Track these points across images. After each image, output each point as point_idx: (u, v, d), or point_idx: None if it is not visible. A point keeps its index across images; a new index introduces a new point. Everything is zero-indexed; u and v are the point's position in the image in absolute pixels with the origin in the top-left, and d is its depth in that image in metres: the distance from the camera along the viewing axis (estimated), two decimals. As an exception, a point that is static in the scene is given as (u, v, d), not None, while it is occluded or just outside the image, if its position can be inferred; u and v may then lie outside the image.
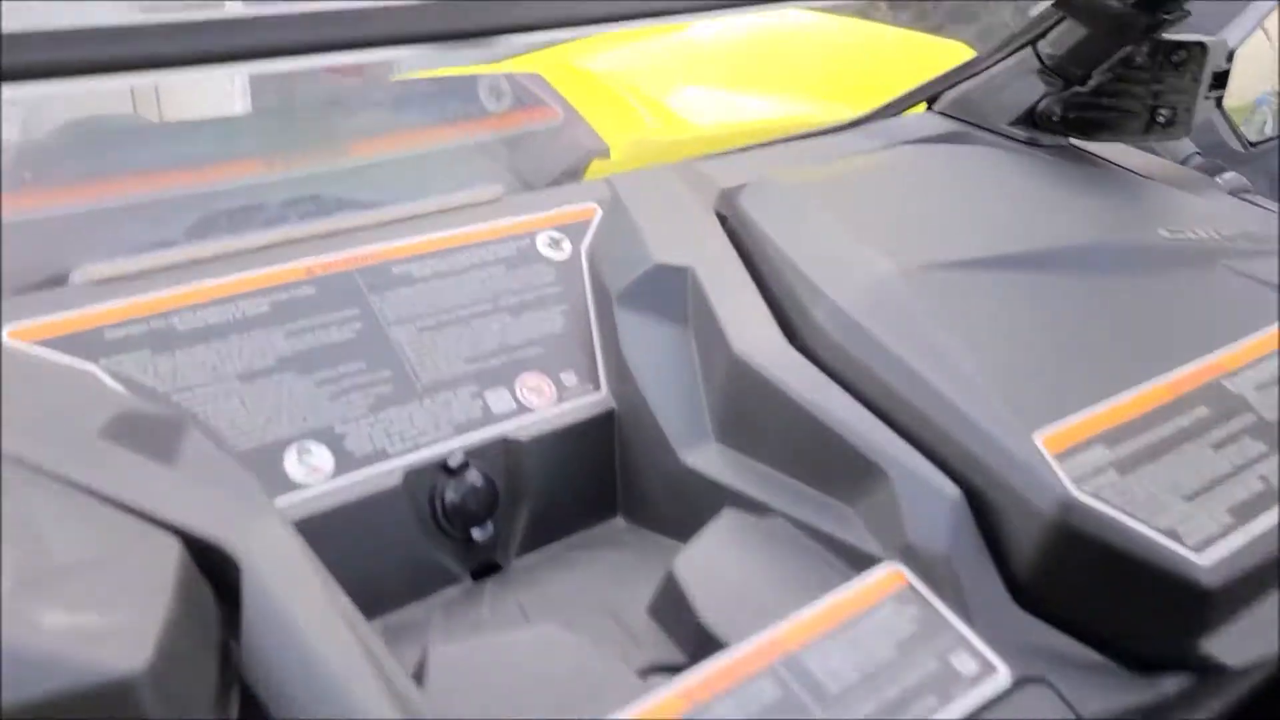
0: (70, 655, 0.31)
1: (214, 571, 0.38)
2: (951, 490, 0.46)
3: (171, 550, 0.37)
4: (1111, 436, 0.48)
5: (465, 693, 0.40)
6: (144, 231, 0.55)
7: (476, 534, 0.55)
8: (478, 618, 0.51)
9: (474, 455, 0.55)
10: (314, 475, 0.51)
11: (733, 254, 0.61)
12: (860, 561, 0.48)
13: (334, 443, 0.53)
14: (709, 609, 0.46)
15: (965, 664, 0.42)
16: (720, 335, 0.55)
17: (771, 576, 0.47)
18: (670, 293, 0.60)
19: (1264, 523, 0.47)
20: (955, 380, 0.49)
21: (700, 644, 0.45)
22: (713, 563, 0.48)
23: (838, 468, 0.50)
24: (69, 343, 0.50)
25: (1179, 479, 0.47)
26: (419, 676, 0.42)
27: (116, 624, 0.32)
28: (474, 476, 0.54)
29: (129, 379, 0.51)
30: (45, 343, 0.50)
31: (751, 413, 0.53)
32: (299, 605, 0.37)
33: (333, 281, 0.58)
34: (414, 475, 0.53)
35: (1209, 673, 0.46)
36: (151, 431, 0.45)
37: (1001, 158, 0.74)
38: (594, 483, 0.59)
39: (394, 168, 0.61)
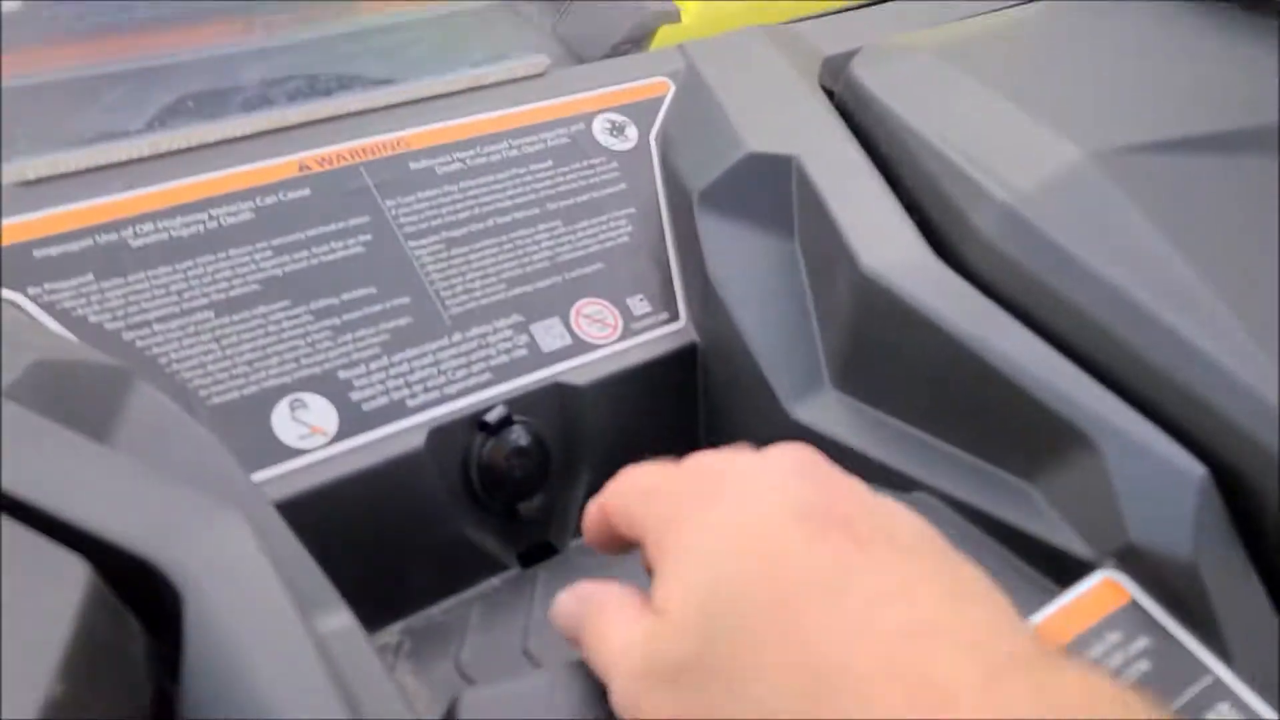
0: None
1: (149, 598, 0.27)
2: (1194, 468, 0.33)
3: (75, 579, 0.25)
4: None
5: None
6: (90, 117, 0.43)
7: (523, 508, 0.42)
8: (528, 621, 0.39)
9: (519, 407, 0.42)
10: (312, 437, 0.39)
11: (849, 139, 0.47)
12: (1050, 561, 0.35)
13: (337, 394, 0.40)
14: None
15: (1229, 725, 0.29)
16: (841, 246, 0.41)
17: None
18: (769, 191, 0.46)
19: None
20: (1190, 310, 0.35)
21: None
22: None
23: (1013, 429, 0.36)
24: (-15, 265, 0.38)
25: None
26: (449, 725, 0.31)
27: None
28: (519, 434, 0.42)
29: (66, 312, 0.38)
30: (-50, 266, 0.38)
31: (886, 351, 0.40)
32: (263, 651, 0.25)
33: (334, 180, 0.44)
34: (442, 434, 0.41)
35: None
36: (82, 389, 0.33)
37: (1166, 8, 0.58)
38: (673, 439, 0.46)
39: (410, 33, 0.47)
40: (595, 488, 0.44)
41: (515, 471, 0.42)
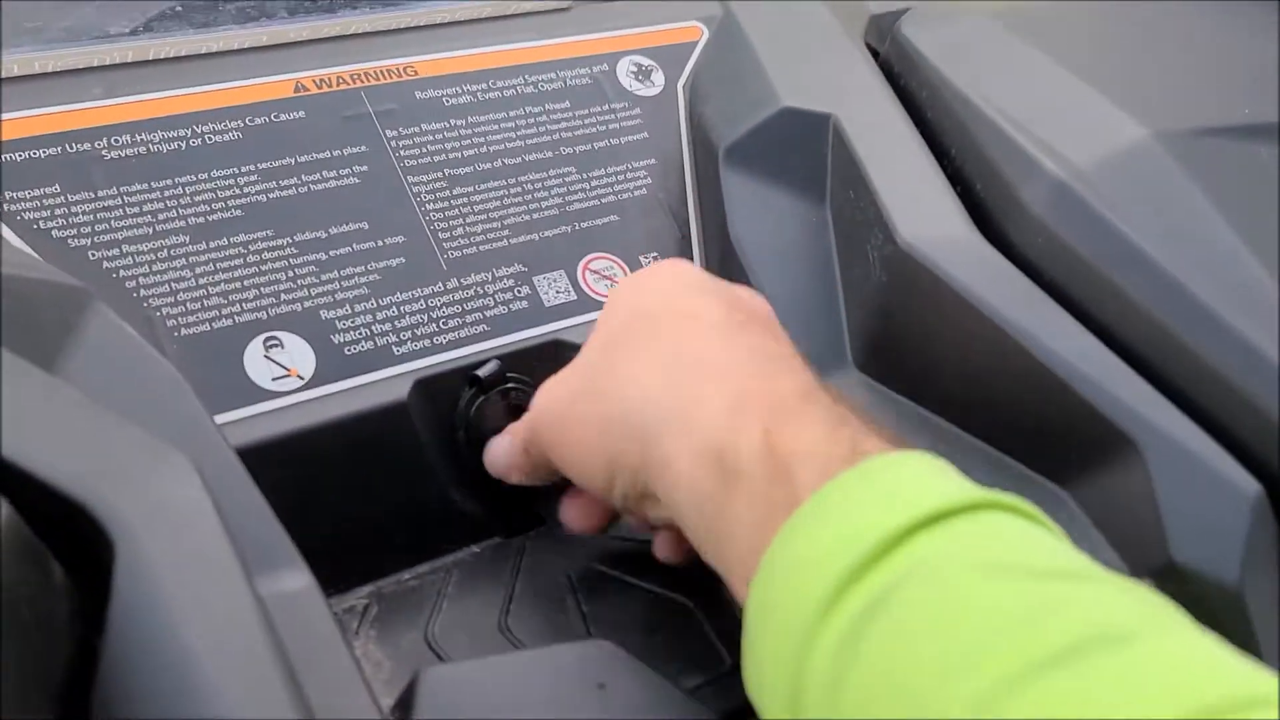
0: None
1: (78, 545, 0.24)
2: (1248, 485, 0.29)
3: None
4: None
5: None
6: (71, 14, 0.39)
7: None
8: (509, 594, 0.36)
9: (514, 364, 0.39)
10: (286, 379, 0.36)
11: (892, 101, 0.43)
12: (1077, 572, 0.32)
13: (317, 334, 0.37)
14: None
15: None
16: (878, 215, 0.38)
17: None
18: (801, 150, 0.42)
19: None
20: (1255, 311, 0.32)
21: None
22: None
23: (1051, 427, 0.33)
24: (-58, 166, 0.35)
25: None
26: (405, 705, 0.28)
27: None
28: (514, 392, 0.39)
29: (29, 224, 0.35)
30: (-97, 164, 0.35)
31: (918, 332, 0.37)
32: (197, 611, 0.22)
33: (331, 103, 0.41)
34: (428, 386, 0.38)
35: None
36: (36, 309, 0.30)
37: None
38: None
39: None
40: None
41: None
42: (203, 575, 0.23)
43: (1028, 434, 0.34)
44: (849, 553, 0.23)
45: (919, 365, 0.37)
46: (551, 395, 0.34)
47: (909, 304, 0.37)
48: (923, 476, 0.25)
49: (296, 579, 0.27)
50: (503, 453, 0.37)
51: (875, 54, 0.47)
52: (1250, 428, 0.31)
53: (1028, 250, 0.36)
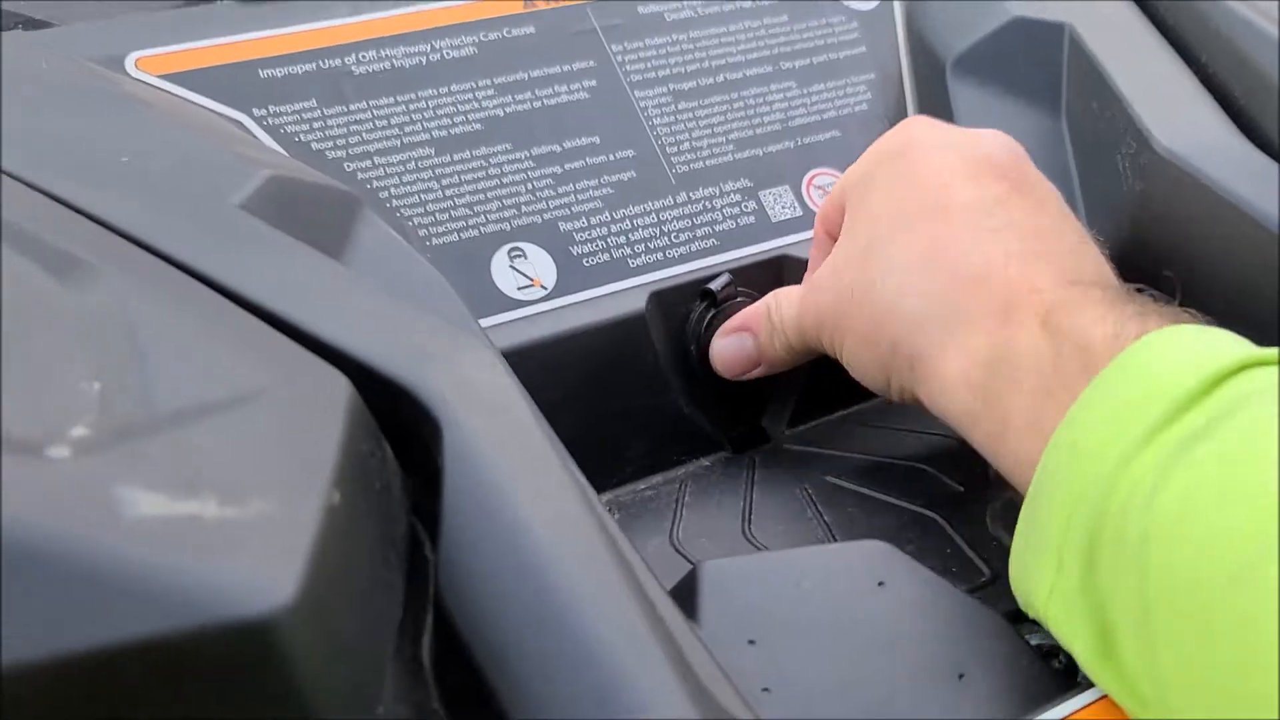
0: (169, 574, 0.17)
1: (396, 430, 0.25)
2: None
3: (338, 391, 0.23)
4: None
5: (764, 636, 0.26)
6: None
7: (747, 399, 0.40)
8: (747, 505, 0.37)
9: (743, 278, 0.39)
10: (530, 290, 0.37)
11: (1133, 7, 0.41)
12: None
13: (557, 246, 0.38)
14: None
15: None
16: (1129, 123, 0.36)
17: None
18: (1034, 61, 0.41)
19: None
20: None
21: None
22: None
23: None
24: (212, 79, 0.36)
25: None
26: (684, 599, 0.28)
27: (248, 517, 0.19)
28: (744, 306, 0.39)
29: (290, 136, 0.37)
30: (180, 76, 0.36)
31: (1179, 239, 0.35)
32: (528, 487, 0.23)
33: (559, 19, 0.41)
34: (663, 298, 0.38)
35: None
36: (316, 209, 0.31)
37: None
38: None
39: None
40: (816, 373, 0.41)
41: (738, 351, 0.39)
42: (523, 452, 0.24)
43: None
44: (1180, 384, 0.23)
45: (1180, 272, 0.35)
46: (829, 288, 0.33)
47: (1170, 212, 0.35)
48: (1230, 339, 0.25)
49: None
50: (738, 349, 0.37)
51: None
52: None
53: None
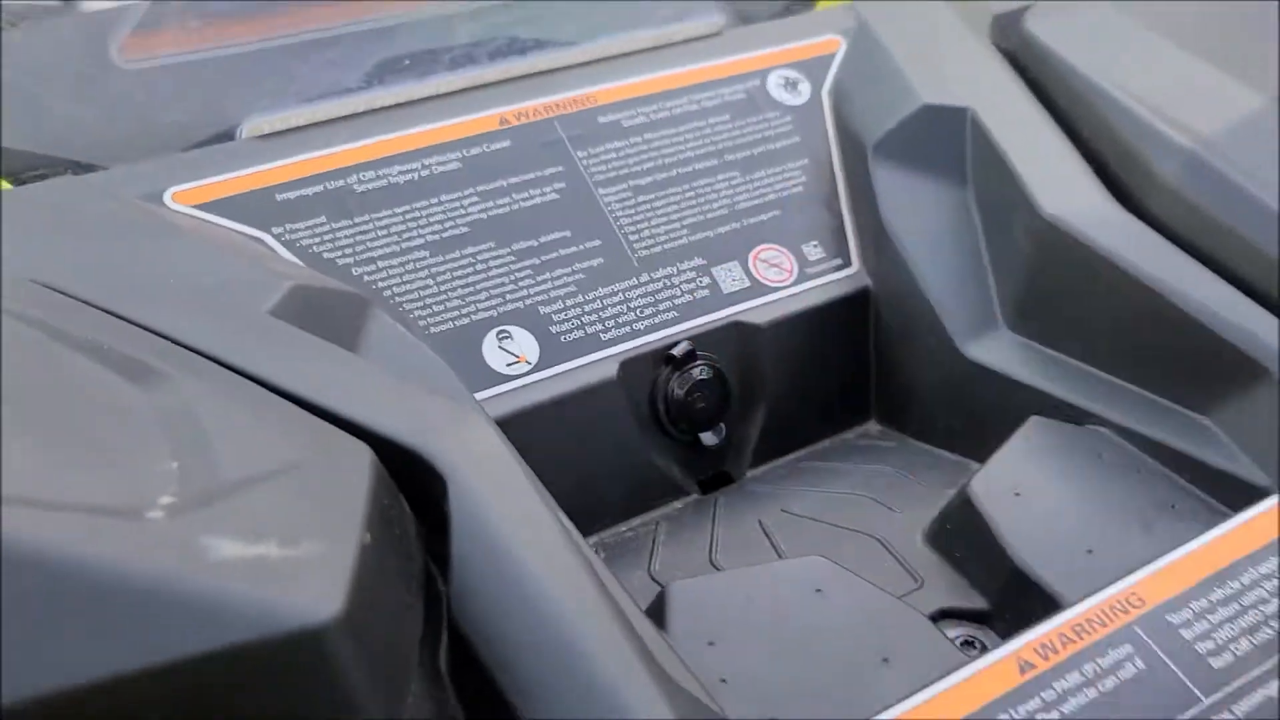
0: (245, 599, 0.23)
1: (411, 487, 0.31)
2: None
3: (363, 458, 0.29)
4: None
5: (721, 638, 0.32)
6: (316, 75, 0.47)
7: (706, 438, 0.46)
8: (712, 539, 0.42)
9: (701, 344, 0.45)
10: (517, 365, 0.43)
11: (1024, 91, 0.48)
12: (1226, 489, 0.36)
13: (538, 327, 0.44)
14: (1020, 542, 0.35)
15: None
16: (1020, 193, 0.43)
17: (1101, 503, 0.36)
18: (943, 141, 0.47)
19: None
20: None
21: (1008, 586, 0.35)
22: (1022, 483, 0.37)
23: (1193, 365, 0.37)
24: (238, 205, 0.43)
25: None
26: (657, 615, 0.34)
27: (301, 556, 0.25)
28: (702, 369, 0.45)
29: (305, 249, 0.43)
30: (210, 205, 0.43)
31: (1065, 293, 0.41)
32: (520, 528, 0.29)
33: (530, 132, 0.48)
34: (632, 366, 0.44)
35: None
36: (332, 311, 0.37)
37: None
38: (845, 378, 0.48)
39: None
40: (770, 421, 0.47)
41: (698, 403, 0.45)
42: (516, 501, 0.30)
43: (1171, 373, 0.38)
44: None
45: (1067, 321, 0.41)
46: None
47: (1057, 269, 0.41)
48: None
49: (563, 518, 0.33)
50: None
51: (1005, 53, 0.52)
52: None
53: (1162, 217, 0.41)
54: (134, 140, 0.46)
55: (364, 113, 0.47)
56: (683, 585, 0.33)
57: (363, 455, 0.29)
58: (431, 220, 0.45)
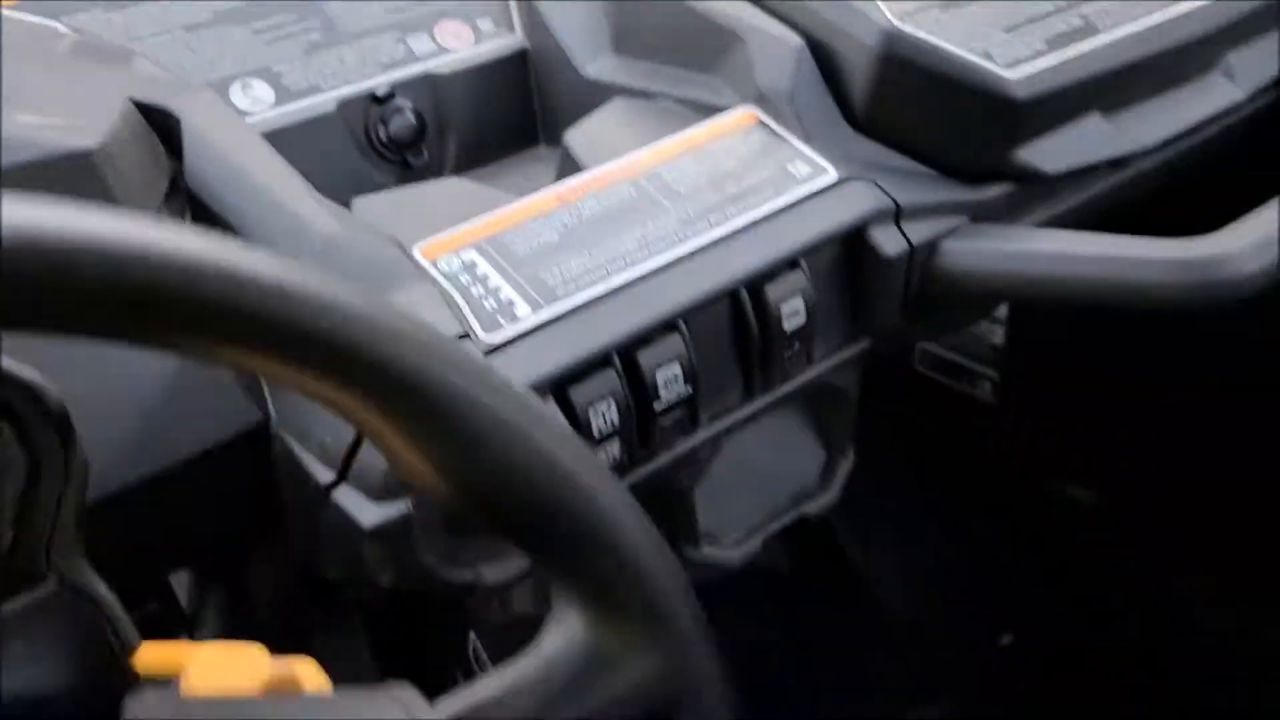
0: (41, 138, 0.39)
1: (162, 132, 0.47)
2: (794, 40, 0.53)
3: (119, 88, 0.45)
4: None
5: (383, 218, 0.49)
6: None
7: (412, 159, 0.62)
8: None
9: (401, 90, 0.62)
10: (257, 105, 0.59)
11: None
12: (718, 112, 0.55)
13: (273, 80, 0.60)
14: (590, 157, 0.53)
15: (799, 168, 0.50)
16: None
17: (649, 133, 0.55)
18: None
19: (1078, 49, 0.53)
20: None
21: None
22: (602, 132, 0.55)
23: (705, 44, 0.56)
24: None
25: (999, 16, 0.53)
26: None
27: (79, 124, 0.41)
28: (402, 104, 0.62)
29: (86, 29, 0.58)
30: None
31: (636, 13, 0.60)
32: (234, 141, 0.46)
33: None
34: (347, 104, 0.61)
35: (1029, 180, 0.53)
36: (108, 52, 0.53)
37: None
38: (515, 115, 0.66)
39: None
40: (463, 146, 0.64)
41: (401, 132, 0.62)
42: (238, 130, 0.46)
43: (696, 52, 0.57)
44: None
45: (643, 36, 0.60)
46: None
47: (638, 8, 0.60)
48: None
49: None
50: None
51: None
52: (797, 12, 0.54)
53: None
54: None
55: (127, -62, 0.62)
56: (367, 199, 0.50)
57: (121, 85, 0.45)
58: (183, 10, 0.60)
